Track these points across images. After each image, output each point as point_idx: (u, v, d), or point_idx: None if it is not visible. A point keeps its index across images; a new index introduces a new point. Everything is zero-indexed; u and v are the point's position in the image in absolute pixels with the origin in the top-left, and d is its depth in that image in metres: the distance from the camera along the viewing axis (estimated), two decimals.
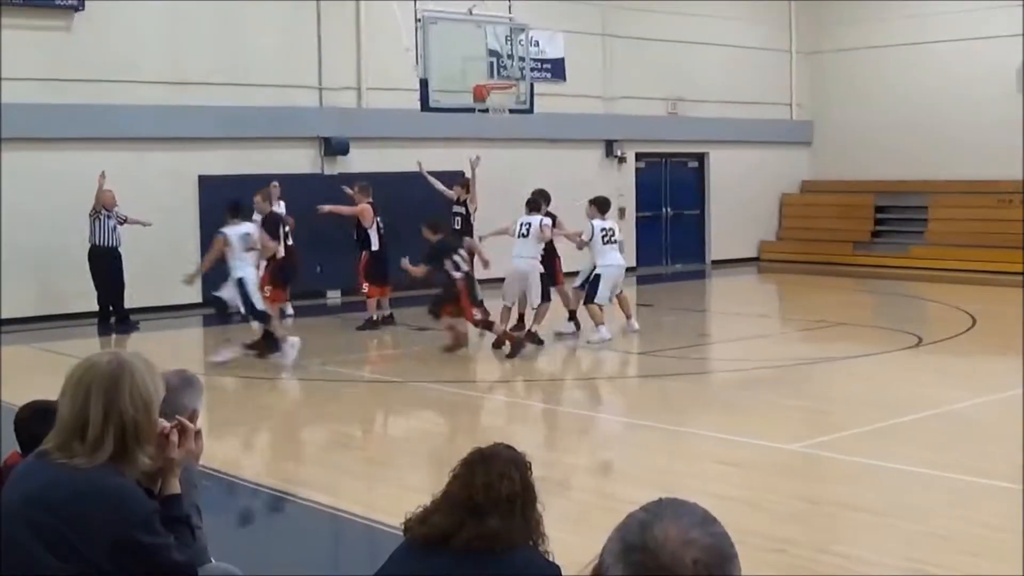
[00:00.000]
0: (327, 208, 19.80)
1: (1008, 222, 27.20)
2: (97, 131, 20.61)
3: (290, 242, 18.39)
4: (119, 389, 3.89)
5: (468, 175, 20.85)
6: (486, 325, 16.86)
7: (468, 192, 20.63)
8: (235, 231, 16.36)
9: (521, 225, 17.31)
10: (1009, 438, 11.10)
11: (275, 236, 17.51)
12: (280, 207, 20.30)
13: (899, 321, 20.18)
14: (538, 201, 17.82)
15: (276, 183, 20.55)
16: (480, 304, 16.76)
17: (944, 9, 28.83)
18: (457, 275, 16.52)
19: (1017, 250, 26.28)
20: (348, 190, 20.29)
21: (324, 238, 21.05)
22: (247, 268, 16.37)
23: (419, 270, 16.97)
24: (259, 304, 16.31)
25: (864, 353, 16.48)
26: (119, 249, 19.52)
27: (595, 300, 17.72)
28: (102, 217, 19.39)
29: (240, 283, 16.15)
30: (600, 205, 18.59)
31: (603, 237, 17.97)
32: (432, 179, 21.08)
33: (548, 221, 17.63)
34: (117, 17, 20.93)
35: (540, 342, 17.19)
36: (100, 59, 20.69)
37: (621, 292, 18.46)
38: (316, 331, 19.83)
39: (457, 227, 20.61)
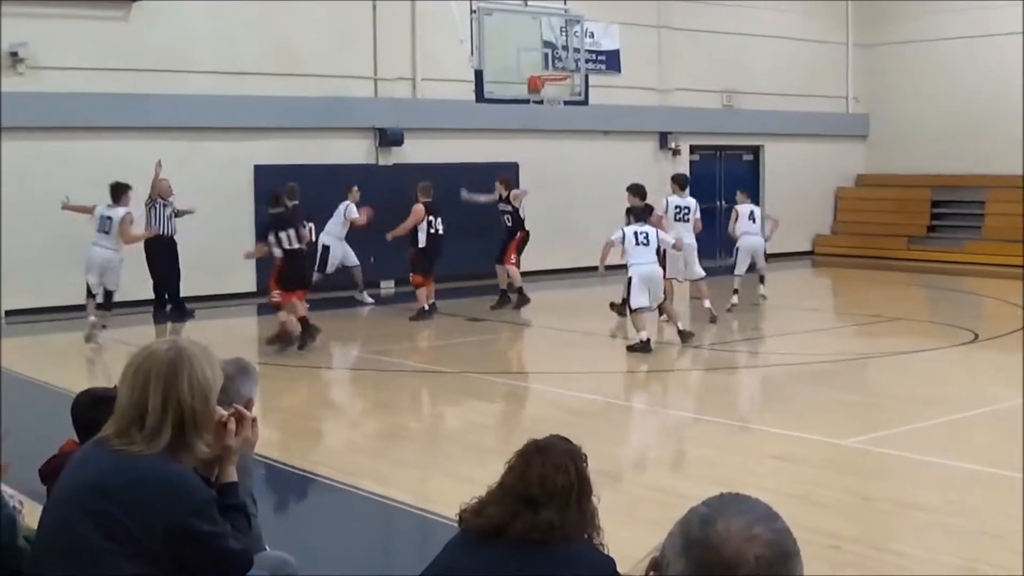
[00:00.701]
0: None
1: None
2: (153, 120, 20.78)
3: (294, 245, 16.55)
4: (178, 377, 3.91)
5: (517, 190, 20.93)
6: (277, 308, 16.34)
7: (509, 189, 20.70)
8: (103, 209, 17.15)
9: (637, 235, 16.72)
10: None
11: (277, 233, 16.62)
12: (346, 209, 20.53)
13: (955, 317, 20.03)
14: (646, 213, 17.54)
15: (356, 187, 20.81)
16: (292, 290, 16.36)
17: (1002, 2, 28.51)
18: (277, 252, 16.15)
19: None
20: None
21: (377, 229, 21.10)
22: (95, 249, 17.22)
23: (255, 251, 16.95)
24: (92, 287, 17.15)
25: (920, 349, 16.36)
26: (175, 237, 19.63)
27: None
28: (158, 205, 19.52)
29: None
30: (679, 181, 19.24)
31: (676, 215, 18.16)
32: (475, 196, 21.19)
33: (669, 239, 17.39)
34: (173, 7, 21.06)
35: (691, 334, 16.99)
36: (156, 49, 20.84)
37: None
38: (369, 321, 19.94)
39: (509, 224, 20.69)
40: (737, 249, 20.63)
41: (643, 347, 16.14)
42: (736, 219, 20.71)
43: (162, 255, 19.57)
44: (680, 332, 16.77)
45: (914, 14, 30.50)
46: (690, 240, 18.50)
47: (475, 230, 21.37)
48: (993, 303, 22.05)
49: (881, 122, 31.87)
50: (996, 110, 28.75)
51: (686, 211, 18.63)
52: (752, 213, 20.84)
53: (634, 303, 16.62)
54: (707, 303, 18.69)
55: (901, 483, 9.88)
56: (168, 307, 19.81)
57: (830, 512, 8.74)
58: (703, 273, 18.92)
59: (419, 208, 19.54)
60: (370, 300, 21.44)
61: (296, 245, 16.30)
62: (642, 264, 16.60)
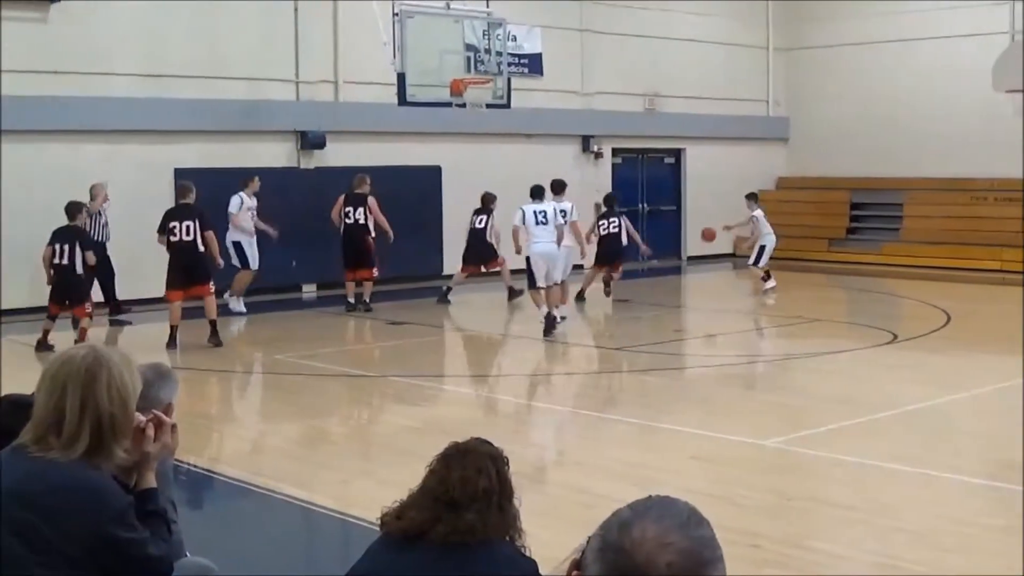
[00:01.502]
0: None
1: (982, 219, 27.42)
2: (73, 123, 20.51)
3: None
4: (96, 383, 3.88)
5: None
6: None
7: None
8: None
9: (536, 214, 17.63)
10: (982, 435, 11.18)
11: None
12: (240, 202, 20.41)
13: (874, 318, 20.24)
14: (543, 189, 18.40)
15: (257, 177, 20.66)
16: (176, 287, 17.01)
17: (921, 7, 28.90)
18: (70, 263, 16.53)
19: (991, 247, 26.49)
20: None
21: (299, 232, 21.02)
22: None
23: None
24: None
25: (839, 350, 16.53)
26: (107, 244, 19.54)
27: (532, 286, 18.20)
28: (95, 214, 19.33)
29: None
30: (538, 191, 19.05)
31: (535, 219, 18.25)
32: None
33: (568, 207, 18.55)
34: (93, 9, 20.81)
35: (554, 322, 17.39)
36: (76, 51, 20.58)
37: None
38: (291, 324, 19.82)
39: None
40: (763, 247, 23.12)
41: (549, 322, 17.24)
42: (758, 223, 23.28)
43: (99, 261, 19.35)
44: (546, 317, 17.24)
45: (834, 18, 30.81)
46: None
47: (401, 232, 21.26)
48: (911, 304, 22.31)
49: (801, 125, 32.17)
50: (914, 113, 29.14)
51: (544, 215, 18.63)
52: (765, 215, 23.53)
53: (530, 281, 17.60)
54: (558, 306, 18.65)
55: (821, 482, 9.97)
56: (106, 311, 19.65)
57: (751, 512, 8.82)
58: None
59: (339, 199, 19.96)
60: (240, 309, 20.81)
61: (187, 237, 17.02)
62: (538, 242, 17.45)
